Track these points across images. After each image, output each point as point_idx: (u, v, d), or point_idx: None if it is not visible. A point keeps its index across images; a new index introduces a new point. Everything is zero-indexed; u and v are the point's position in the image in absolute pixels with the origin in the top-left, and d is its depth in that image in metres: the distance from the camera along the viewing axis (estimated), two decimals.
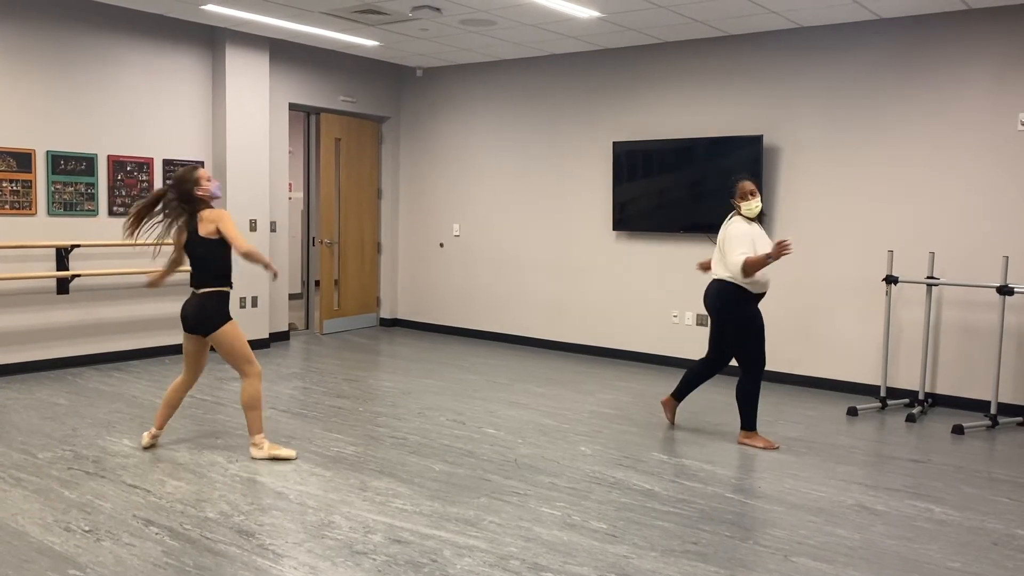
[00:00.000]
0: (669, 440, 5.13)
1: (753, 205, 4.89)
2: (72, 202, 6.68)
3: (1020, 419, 5.73)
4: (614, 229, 7.67)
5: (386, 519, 3.73)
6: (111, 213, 6.91)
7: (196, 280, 4.46)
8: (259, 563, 3.25)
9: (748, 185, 4.91)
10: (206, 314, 4.40)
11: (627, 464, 4.62)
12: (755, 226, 4.93)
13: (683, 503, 4.03)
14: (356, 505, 3.89)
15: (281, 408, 5.66)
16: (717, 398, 6.26)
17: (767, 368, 5.18)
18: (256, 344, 7.81)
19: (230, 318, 4.46)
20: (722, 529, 3.72)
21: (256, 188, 7.77)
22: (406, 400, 6.00)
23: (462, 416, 5.57)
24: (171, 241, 4.55)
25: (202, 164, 7.52)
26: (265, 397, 5.94)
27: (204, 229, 4.38)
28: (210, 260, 4.41)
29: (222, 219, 4.38)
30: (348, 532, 3.57)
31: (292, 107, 8.35)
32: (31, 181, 6.43)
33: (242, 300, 7.70)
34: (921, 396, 6.06)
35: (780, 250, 4.65)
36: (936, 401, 6.18)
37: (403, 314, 9.49)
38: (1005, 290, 5.55)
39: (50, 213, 6.56)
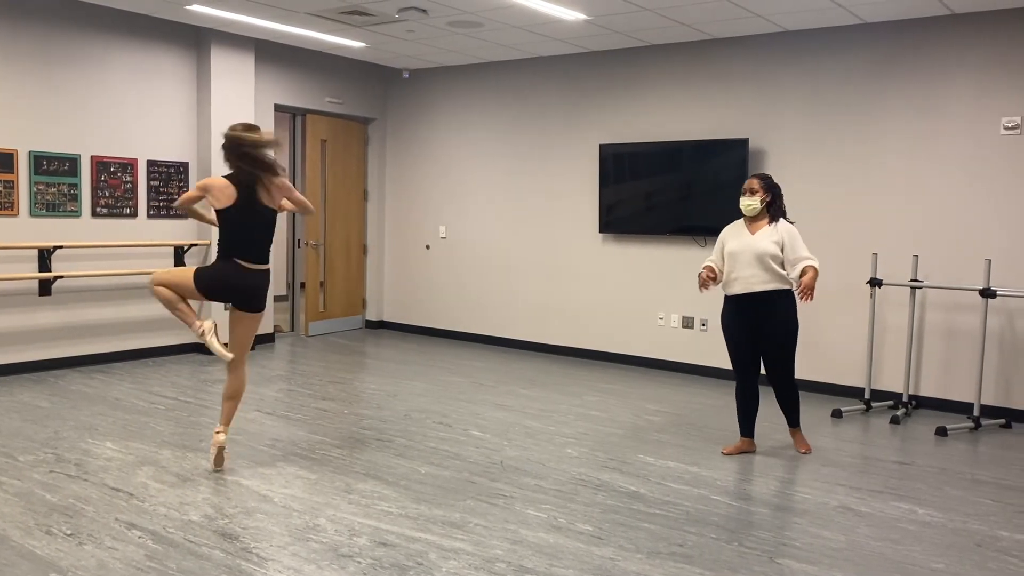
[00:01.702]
0: (655, 443, 5.13)
1: (744, 202, 4.77)
2: (55, 203, 6.63)
3: (1002, 421, 5.77)
4: (600, 232, 7.68)
5: (371, 522, 3.71)
6: (94, 214, 6.86)
7: (261, 253, 4.32)
8: (243, 566, 3.23)
9: (746, 182, 4.82)
10: (266, 289, 4.40)
11: (613, 466, 4.62)
12: (738, 227, 4.82)
13: (669, 505, 4.03)
14: (341, 508, 3.87)
15: (266, 411, 5.63)
16: (705, 401, 6.28)
17: (731, 368, 5.03)
18: None
19: None
20: (708, 531, 3.72)
21: None
22: (392, 402, 5.98)
23: (448, 418, 5.56)
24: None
25: (187, 165, 7.48)
26: (250, 399, 5.91)
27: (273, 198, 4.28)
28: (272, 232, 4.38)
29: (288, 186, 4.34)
30: (333, 535, 3.55)
31: (278, 108, 8.32)
32: (13, 181, 6.37)
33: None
34: (905, 398, 6.09)
35: (700, 282, 4.77)
36: (920, 403, 6.22)
37: (389, 316, 9.47)
38: (988, 293, 5.59)
39: (32, 214, 6.50)
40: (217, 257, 4.29)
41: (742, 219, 4.86)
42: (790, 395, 4.94)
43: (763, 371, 4.92)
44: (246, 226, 4.22)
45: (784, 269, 4.71)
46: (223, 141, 4.18)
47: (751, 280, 4.70)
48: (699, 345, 7.22)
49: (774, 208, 4.78)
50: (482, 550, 3.44)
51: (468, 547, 3.46)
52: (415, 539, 3.53)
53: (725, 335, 4.89)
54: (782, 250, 4.68)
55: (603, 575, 3.24)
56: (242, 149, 4.12)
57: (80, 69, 6.74)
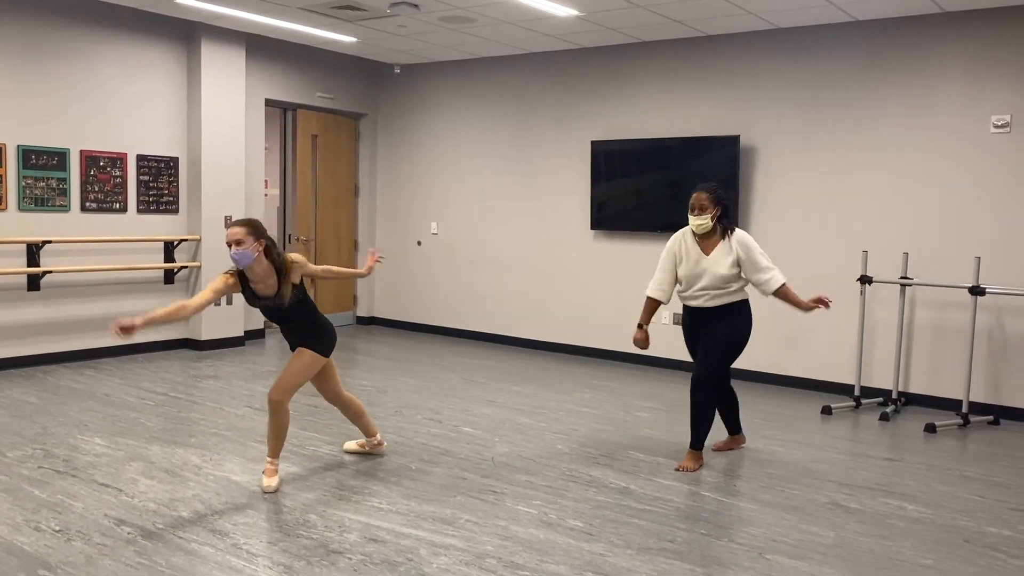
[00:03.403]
0: (645, 439, 5.14)
1: (694, 223, 4.44)
2: (43, 197, 6.59)
3: (991, 418, 5.80)
4: (592, 228, 7.68)
5: (362, 518, 3.70)
6: (83, 209, 6.83)
7: (292, 336, 4.26)
8: (233, 563, 3.22)
9: (693, 198, 4.45)
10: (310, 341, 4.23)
11: (603, 462, 4.62)
12: (689, 243, 4.52)
13: (659, 501, 4.04)
14: (332, 504, 3.86)
15: (256, 407, 5.61)
16: None
17: (731, 367, 4.74)
18: (231, 343, 7.75)
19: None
20: (698, 527, 3.73)
21: (231, 185, 7.70)
22: (383, 399, 5.97)
23: (439, 415, 5.56)
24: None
25: (177, 160, 7.45)
26: (240, 395, 5.90)
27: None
28: None
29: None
30: (323, 531, 3.55)
31: (268, 103, 8.28)
32: (1, 176, 6.33)
33: None
34: (894, 395, 6.12)
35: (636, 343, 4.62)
36: (909, 400, 6.25)
37: (380, 312, 9.45)
38: (977, 290, 5.62)
39: (21, 208, 6.46)
40: None
41: (690, 229, 4.53)
42: (698, 402, 4.54)
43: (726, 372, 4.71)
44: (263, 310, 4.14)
45: (740, 282, 4.46)
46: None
47: (707, 300, 4.47)
48: None
49: (725, 220, 4.47)
50: (473, 546, 3.44)
51: (459, 543, 3.46)
52: (405, 535, 3.53)
53: (685, 341, 4.71)
54: (740, 267, 4.42)
55: (594, 571, 3.24)
56: None
57: (69, 63, 6.70)
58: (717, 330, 4.51)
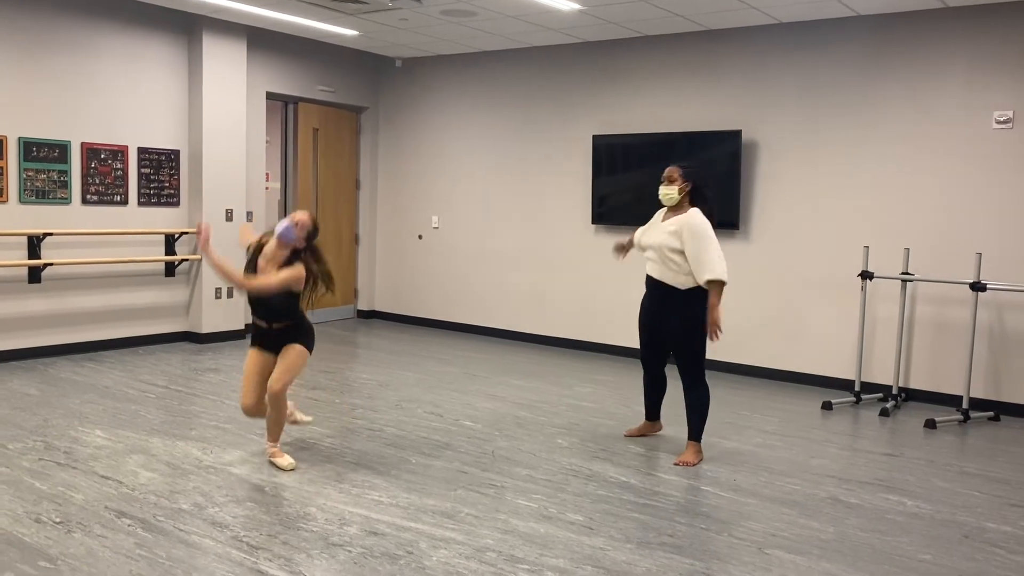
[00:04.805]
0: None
1: (662, 191, 4.53)
2: (44, 190, 6.58)
3: (991, 414, 5.80)
4: (593, 223, 7.68)
5: (362, 511, 3.71)
6: (84, 201, 6.82)
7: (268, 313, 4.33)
8: (233, 555, 3.23)
9: (666, 171, 4.54)
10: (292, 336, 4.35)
11: (604, 457, 4.63)
12: (657, 217, 4.66)
13: (659, 496, 4.05)
14: (332, 497, 3.87)
15: None
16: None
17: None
18: (232, 335, 7.75)
19: None
20: (697, 521, 3.74)
21: (232, 178, 7.70)
22: (383, 392, 5.98)
23: (439, 408, 5.56)
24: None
25: (178, 153, 7.44)
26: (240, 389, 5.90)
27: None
28: None
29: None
30: (324, 524, 3.55)
31: (269, 96, 8.27)
32: (2, 168, 6.33)
33: (217, 291, 7.64)
34: (895, 391, 6.12)
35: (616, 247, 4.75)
36: (909, 396, 6.25)
37: (381, 306, 9.46)
38: (978, 286, 5.62)
39: (22, 200, 6.46)
40: None
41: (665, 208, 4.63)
42: (690, 401, 4.59)
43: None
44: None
45: (685, 264, 4.42)
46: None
47: (652, 269, 4.59)
48: None
49: (699, 198, 4.50)
50: (473, 539, 3.44)
51: (459, 536, 3.47)
52: (406, 528, 3.53)
53: (639, 316, 4.80)
54: (682, 243, 4.39)
55: (593, 564, 3.25)
56: None
57: (71, 55, 6.69)
58: (670, 322, 4.55)
